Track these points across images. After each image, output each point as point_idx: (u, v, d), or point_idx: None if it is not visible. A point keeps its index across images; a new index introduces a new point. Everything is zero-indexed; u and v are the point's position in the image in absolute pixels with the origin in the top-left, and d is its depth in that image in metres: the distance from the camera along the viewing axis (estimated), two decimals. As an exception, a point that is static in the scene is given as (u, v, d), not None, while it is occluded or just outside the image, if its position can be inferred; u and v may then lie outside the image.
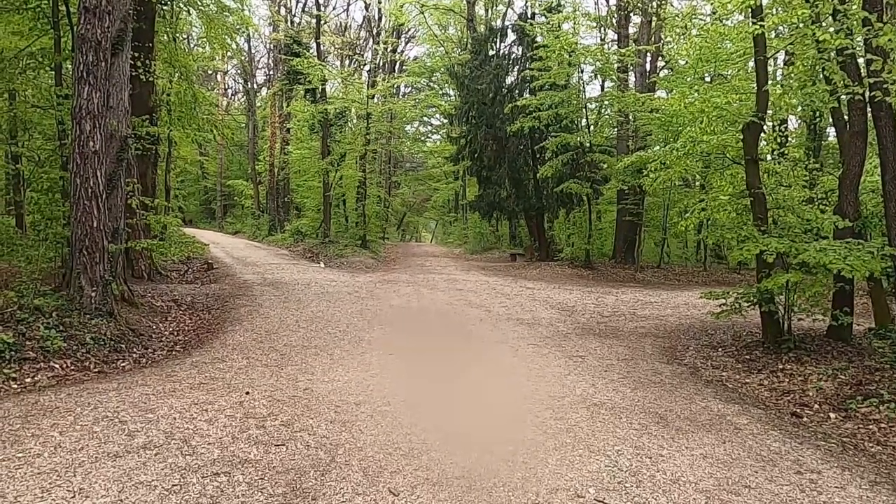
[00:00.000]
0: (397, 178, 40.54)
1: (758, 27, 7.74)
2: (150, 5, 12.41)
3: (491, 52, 23.20)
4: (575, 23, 22.18)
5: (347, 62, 35.78)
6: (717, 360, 7.63)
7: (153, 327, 8.48)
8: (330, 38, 33.56)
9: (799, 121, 19.72)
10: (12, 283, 8.04)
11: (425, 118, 40.61)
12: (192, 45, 26.98)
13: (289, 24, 31.86)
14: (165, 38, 15.33)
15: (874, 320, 8.36)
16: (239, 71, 41.29)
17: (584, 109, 20.63)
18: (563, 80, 19.53)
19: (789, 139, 16.55)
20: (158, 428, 4.53)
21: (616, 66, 20.33)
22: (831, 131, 18.42)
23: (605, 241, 22.78)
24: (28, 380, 5.71)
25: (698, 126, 8.78)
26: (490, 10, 31.92)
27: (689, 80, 12.32)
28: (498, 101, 21.62)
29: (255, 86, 40.66)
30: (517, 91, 21.79)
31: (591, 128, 21.78)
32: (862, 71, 7.49)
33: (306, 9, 32.95)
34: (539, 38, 20.17)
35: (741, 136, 8.33)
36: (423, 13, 32.81)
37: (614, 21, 23.79)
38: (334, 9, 40.74)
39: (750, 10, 8.07)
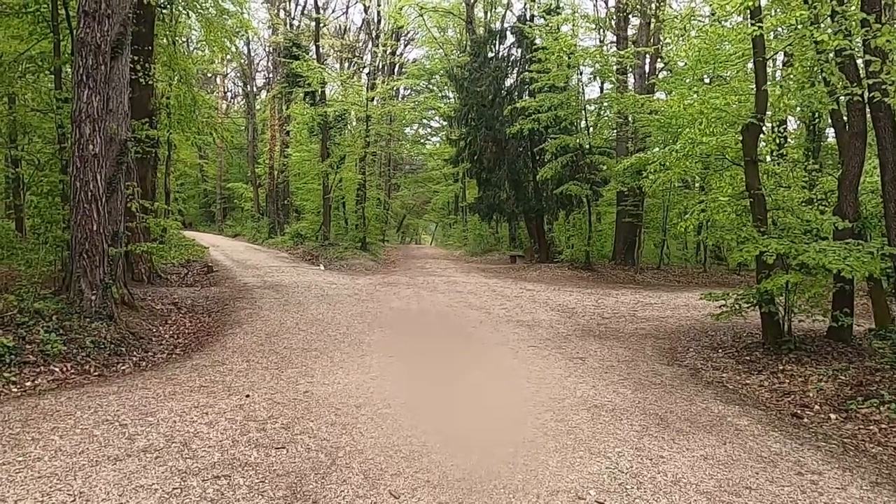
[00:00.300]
0: (397, 181, 40.60)
1: (756, 28, 7.75)
2: (149, 9, 12.43)
3: (490, 55, 23.22)
4: (574, 25, 22.20)
5: (347, 65, 35.81)
6: (717, 362, 7.63)
7: (153, 330, 8.48)
8: (329, 41, 33.58)
9: (798, 122, 19.75)
10: (12, 286, 8.05)
11: (424, 120, 40.69)
12: (191, 49, 26.99)
13: (288, 27, 31.92)
14: (165, 41, 15.35)
15: (874, 321, 8.36)
16: (238, 74, 41.37)
17: (583, 111, 20.66)
18: (563, 82, 19.55)
19: (788, 140, 16.54)
20: (158, 431, 4.52)
21: (615, 67, 20.35)
22: (830, 132, 18.45)
23: (604, 242, 22.78)
24: (28, 383, 5.71)
25: (697, 127, 8.79)
26: (489, 13, 31.98)
27: (688, 81, 12.32)
28: (497, 103, 21.64)
29: (255, 89, 40.72)
30: (516, 93, 21.81)
31: (591, 129, 21.80)
32: (861, 72, 7.50)
33: (305, 12, 33.03)
34: (538, 40, 20.20)
35: (740, 138, 8.34)
36: (422, 16, 32.88)
37: (613, 23, 23.82)
38: (333, 11, 40.78)
39: (748, 11, 8.08)
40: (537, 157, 21.60)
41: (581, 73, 20.16)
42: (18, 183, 14.27)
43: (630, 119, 19.62)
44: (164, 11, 14.52)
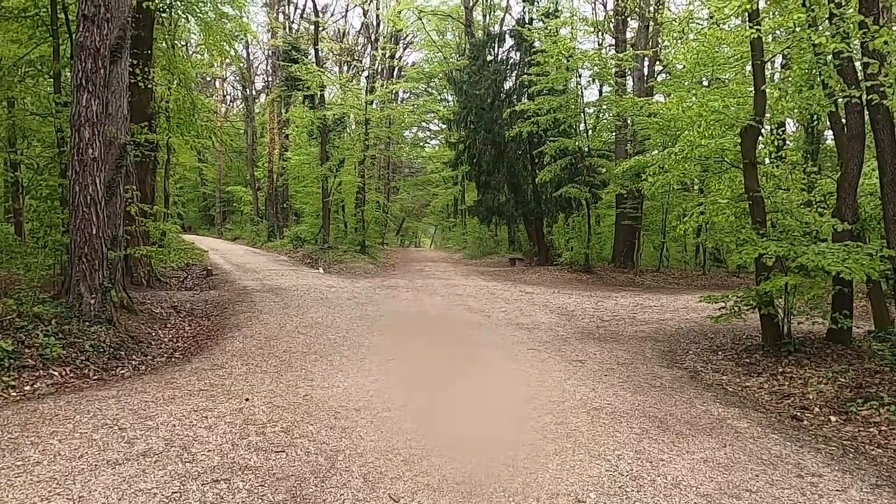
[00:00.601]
0: (396, 184, 40.58)
1: (755, 31, 7.77)
2: (148, 13, 12.44)
3: (489, 58, 23.27)
4: (573, 28, 22.24)
5: (346, 68, 35.88)
6: (716, 364, 7.62)
7: (152, 334, 8.47)
8: (328, 45, 33.64)
9: (797, 124, 19.78)
10: (11, 290, 8.04)
11: (424, 123, 40.67)
12: (190, 52, 27.06)
13: (287, 30, 31.96)
14: (164, 45, 15.38)
15: (873, 323, 8.35)
16: (237, 77, 41.40)
17: (582, 114, 20.68)
18: (562, 85, 19.56)
19: (787, 142, 16.58)
20: (158, 435, 4.52)
21: (614, 70, 20.38)
22: (829, 134, 18.51)
23: (604, 245, 22.78)
24: (27, 387, 5.70)
25: (696, 130, 8.81)
26: (488, 16, 32.04)
27: (686, 84, 12.37)
28: (496, 106, 21.67)
29: (254, 92, 40.80)
30: (515, 96, 21.84)
31: (590, 132, 21.82)
32: (859, 74, 7.52)
33: (305, 15, 33.11)
34: (537, 44, 20.23)
35: (739, 140, 8.35)
36: (421, 19, 32.92)
37: (612, 26, 23.86)
38: (332, 15, 40.90)
39: (747, 14, 8.11)
40: (536, 160, 21.62)
41: (580, 76, 20.21)
42: (18, 187, 14.28)
43: (629, 122, 19.64)
44: (163, 15, 14.55)
